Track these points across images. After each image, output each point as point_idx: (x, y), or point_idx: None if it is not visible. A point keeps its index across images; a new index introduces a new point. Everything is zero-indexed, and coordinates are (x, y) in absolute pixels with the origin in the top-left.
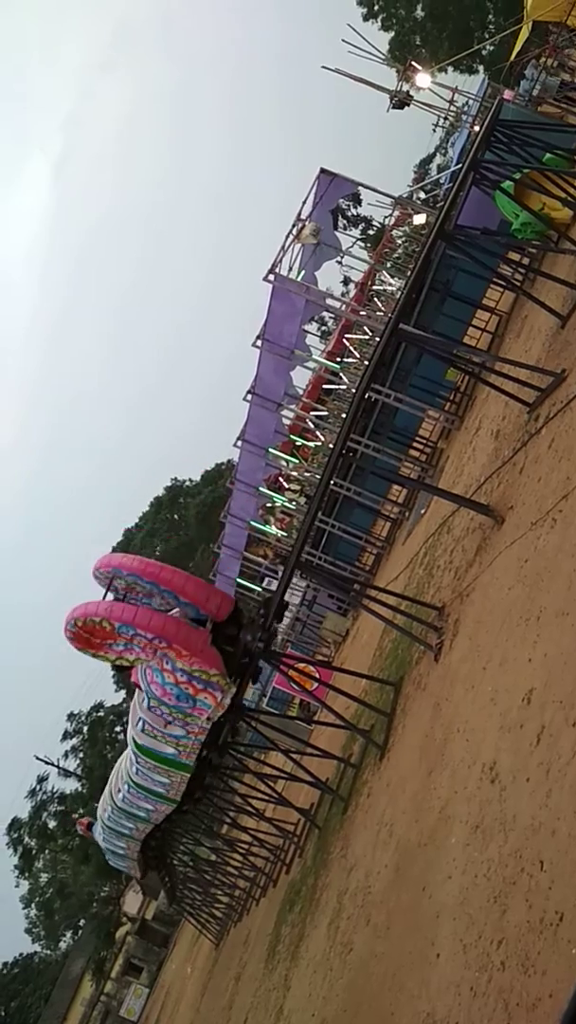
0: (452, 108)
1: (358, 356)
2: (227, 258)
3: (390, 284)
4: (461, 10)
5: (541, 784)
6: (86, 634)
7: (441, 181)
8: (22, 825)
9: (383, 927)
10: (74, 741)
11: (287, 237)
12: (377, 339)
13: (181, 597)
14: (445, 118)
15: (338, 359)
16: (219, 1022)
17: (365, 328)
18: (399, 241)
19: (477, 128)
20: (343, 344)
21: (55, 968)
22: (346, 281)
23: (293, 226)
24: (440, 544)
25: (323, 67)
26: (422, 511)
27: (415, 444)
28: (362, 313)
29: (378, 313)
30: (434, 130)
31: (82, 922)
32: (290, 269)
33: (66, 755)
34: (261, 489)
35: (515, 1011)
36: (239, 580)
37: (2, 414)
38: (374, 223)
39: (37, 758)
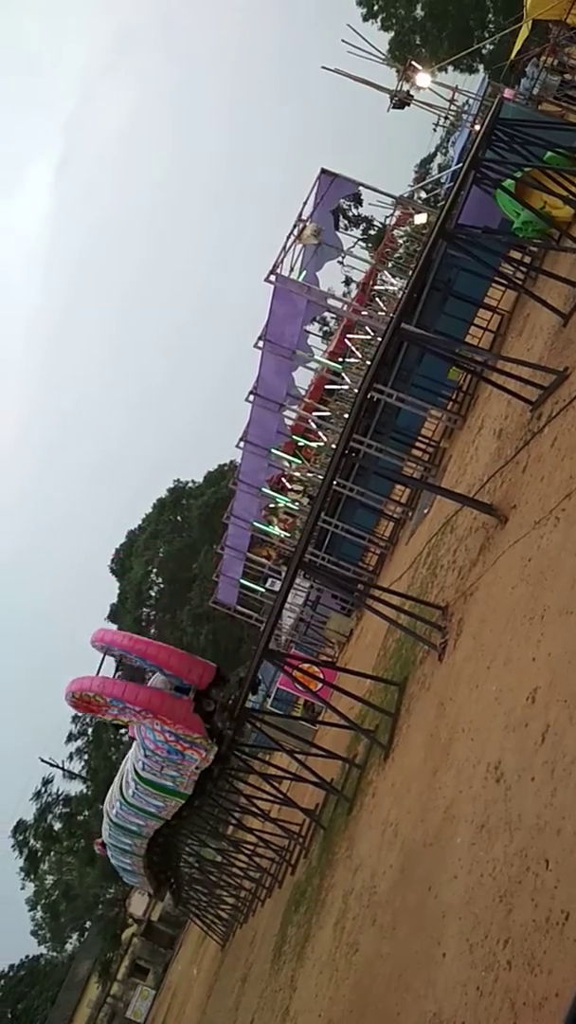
0: (452, 107)
1: (360, 356)
2: (228, 259)
3: (392, 284)
4: (461, 9)
5: (546, 783)
6: (84, 703)
7: (442, 180)
8: (27, 827)
9: (389, 927)
10: (79, 743)
11: (288, 237)
12: (379, 339)
13: (166, 670)
14: (445, 117)
15: (340, 359)
16: (225, 1023)
17: (367, 328)
18: (400, 241)
19: (478, 127)
20: (345, 344)
21: (61, 970)
22: (347, 281)
23: (294, 226)
24: (443, 543)
25: (323, 67)
26: (425, 511)
27: (418, 444)
28: (364, 313)
29: (380, 313)
30: (434, 130)
31: (88, 924)
32: (291, 270)
33: (71, 757)
34: (264, 490)
35: (522, 1010)
36: (242, 581)
37: (4, 416)
38: (375, 223)
39: (42, 760)
